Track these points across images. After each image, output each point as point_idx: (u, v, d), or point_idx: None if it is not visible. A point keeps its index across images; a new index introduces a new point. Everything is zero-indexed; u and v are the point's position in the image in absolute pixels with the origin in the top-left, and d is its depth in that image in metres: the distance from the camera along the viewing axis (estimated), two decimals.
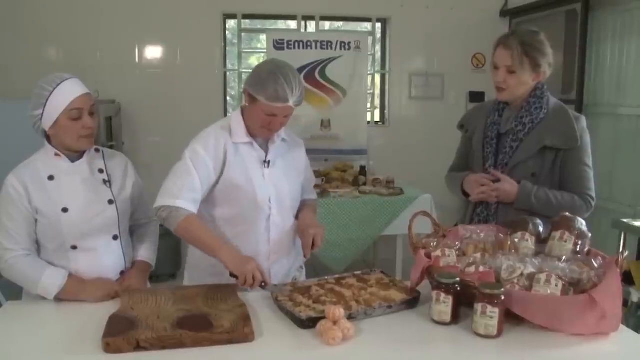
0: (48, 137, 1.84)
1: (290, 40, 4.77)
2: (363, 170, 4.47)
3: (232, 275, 1.78)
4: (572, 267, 1.60)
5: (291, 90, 1.84)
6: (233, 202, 1.95)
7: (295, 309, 1.64)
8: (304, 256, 2.02)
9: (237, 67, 5.17)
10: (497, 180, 2.05)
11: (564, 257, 1.66)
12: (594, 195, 2.05)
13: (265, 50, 4.90)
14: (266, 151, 1.99)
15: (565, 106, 2.11)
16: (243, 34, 5.18)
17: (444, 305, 1.58)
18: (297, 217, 2.10)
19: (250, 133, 1.96)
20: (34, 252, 1.83)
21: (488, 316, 1.50)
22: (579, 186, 2.03)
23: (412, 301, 1.73)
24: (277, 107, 1.84)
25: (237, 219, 1.95)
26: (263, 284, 1.77)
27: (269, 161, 1.98)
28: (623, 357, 1.50)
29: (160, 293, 1.76)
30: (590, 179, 2.05)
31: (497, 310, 1.49)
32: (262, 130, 1.92)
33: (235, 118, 1.98)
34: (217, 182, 1.94)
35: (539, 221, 1.88)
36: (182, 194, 1.85)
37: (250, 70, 1.96)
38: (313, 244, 1.96)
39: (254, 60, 5.43)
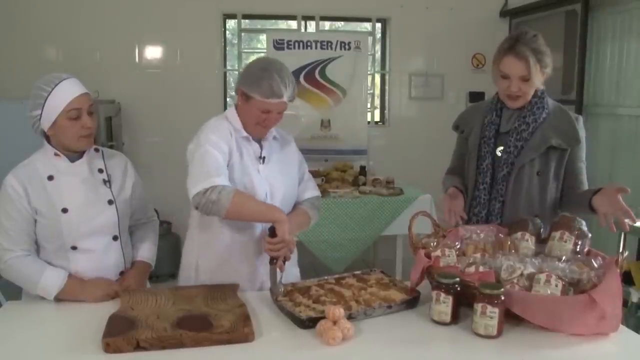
0: (47, 137, 1.84)
1: (290, 40, 4.77)
2: (363, 170, 4.47)
3: (270, 230, 1.81)
4: (572, 267, 1.60)
5: (285, 85, 1.84)
6: None
7: (295, 309, 1.64)
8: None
9: (237, 67, 5.17)
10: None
11: (563, 257, 1.66)
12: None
13: (265, 50, 4.89)
14: (261, 147, 1.98)
15: (563, 107, 2.13)
16: (243, 34, 5.17)
17: (443, 305, 1.58)
18: None
19: (245, 130, 1.95)
20: (34, 252, 1.82)
21: (488, 316, 1.50)
22: (577, 182, 2.09)
23: (412, 301, 1.73)
24: (271, 103, 1.85)
25: None
26: (274, 260, 1.81)
27: (264, 157, 1.97)
28: (623, 357, 1.50)
29: (160, 293, 1.76)
30: (585, 174, 2.11)
31: (497, 310, 1.49)
32: (256, 127, 1.92)
33: (231, 114, 1.97)
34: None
35: (539, 221, 1.89)
36: (218, 172, 1.80)
37: None
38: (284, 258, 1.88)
39: None
